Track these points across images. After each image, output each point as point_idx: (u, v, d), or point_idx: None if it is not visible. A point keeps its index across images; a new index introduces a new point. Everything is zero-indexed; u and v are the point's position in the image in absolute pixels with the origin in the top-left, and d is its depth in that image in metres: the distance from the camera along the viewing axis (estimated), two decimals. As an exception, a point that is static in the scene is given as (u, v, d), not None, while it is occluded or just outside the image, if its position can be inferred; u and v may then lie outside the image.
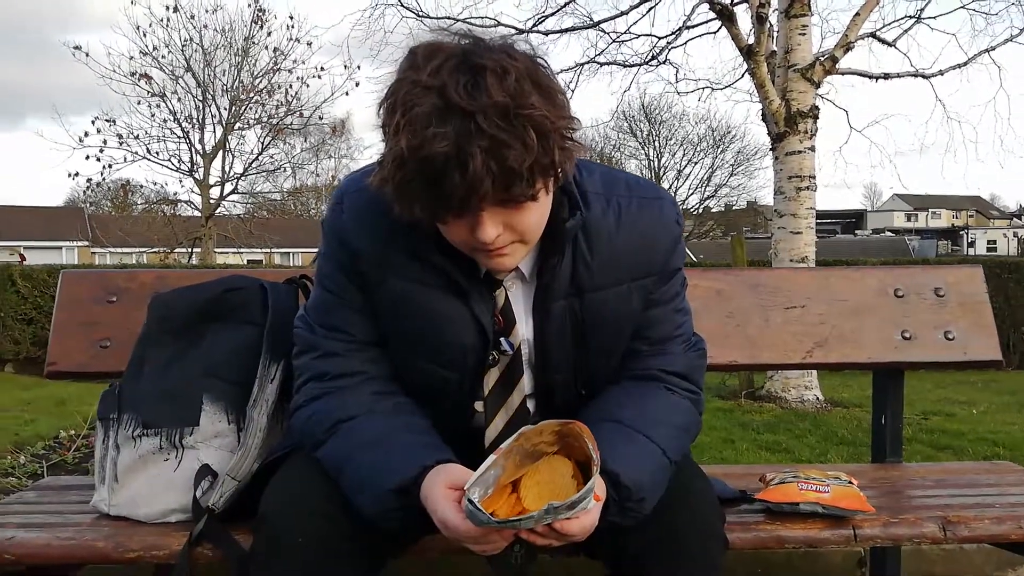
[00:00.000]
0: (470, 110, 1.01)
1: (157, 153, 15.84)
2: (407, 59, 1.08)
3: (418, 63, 1.05)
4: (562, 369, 1.32)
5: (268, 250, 20.70)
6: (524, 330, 1.30)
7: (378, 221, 1.23)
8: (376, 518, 1.18)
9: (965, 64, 7.09)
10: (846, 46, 6.29)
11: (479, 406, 1.32)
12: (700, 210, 36.91)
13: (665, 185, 30.53)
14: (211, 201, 16.48)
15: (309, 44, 15.91)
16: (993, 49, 7.20)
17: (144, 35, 15.49)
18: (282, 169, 18.88)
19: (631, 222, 1.28)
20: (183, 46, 15.91)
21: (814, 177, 6.09)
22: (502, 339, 1.29)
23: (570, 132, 1.09)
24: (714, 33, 7.93)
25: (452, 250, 1.21)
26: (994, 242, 45.69)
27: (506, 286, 1.29)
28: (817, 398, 6.04)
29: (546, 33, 7.91)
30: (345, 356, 1.29)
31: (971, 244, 44.95)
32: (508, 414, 1.32)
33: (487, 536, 1.10)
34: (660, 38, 8.20)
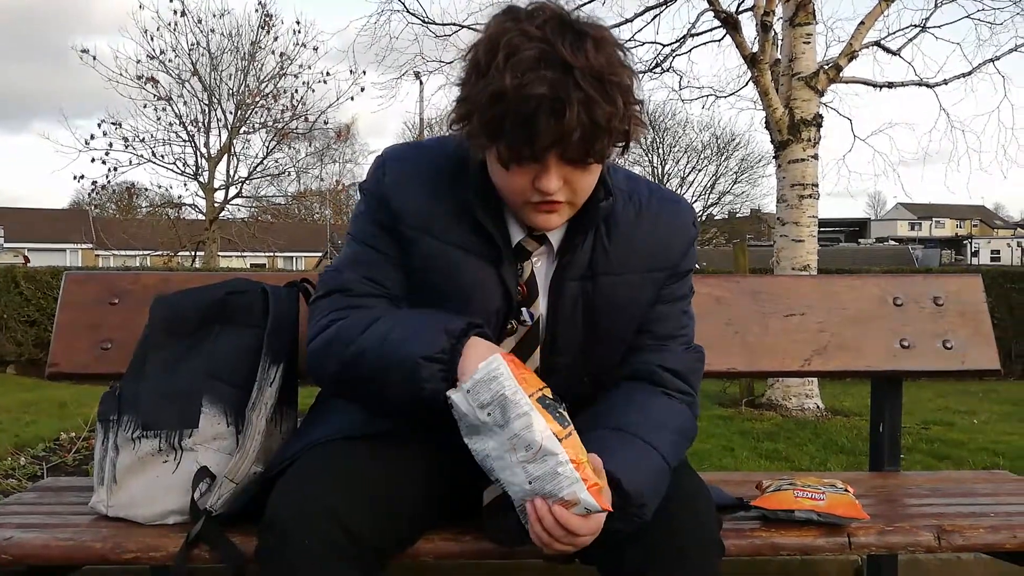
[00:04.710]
0: (572, 64, 1.10)
1: (162, 156, 15.90)
2: (506, 13, 1.16)
3: (521, 16, 1.14)
4: (569, 351, 1.35)
5: (271, 254, 20.76)
6: (542, 306, 1.34)
7: (418, 187, 1.31)
8: (415, 371, 1.18)
9: (970, 73, 7.11)
10: (850, 55, 6.31)
11: None
12: (704, 218, 36.86)
13: (669, 192, 30.49)
14: (215, 204, 16.50)
15: (315, 49, 16.06)
16: (998, 59, 7.23)
17: (151, 39, 15.55)
18: (286, 173, 18.93)
19: (650, 218, 1.37)
20: (190, 50, 15.98)
21: (817, 185, 6.10)
22: (523, 309, 1.33)
23: (639, 111, 1.18)
24: (718, 41, 7.96)
25: (491, 217, 1.28)
26: (998, 252, 45.54)
27: (533, 260, 1.33)
28: (818, 406, 6.04)
29: (550, 40, 7.92)
30: (373, 298, 1.32)
31: (975, 254, 44.79)
32: None
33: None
34: (664, 46, 8.24)
